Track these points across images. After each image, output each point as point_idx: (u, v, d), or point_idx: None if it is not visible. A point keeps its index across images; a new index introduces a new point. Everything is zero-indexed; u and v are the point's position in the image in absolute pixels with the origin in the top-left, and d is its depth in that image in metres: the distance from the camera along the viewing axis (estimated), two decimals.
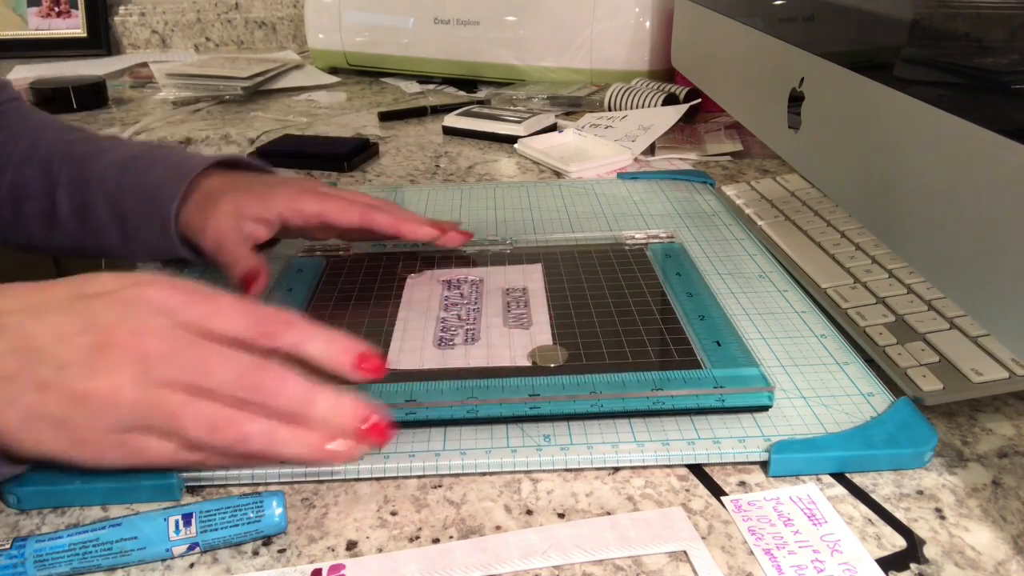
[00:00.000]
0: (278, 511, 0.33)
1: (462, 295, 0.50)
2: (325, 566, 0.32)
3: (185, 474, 0.36)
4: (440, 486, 0.36)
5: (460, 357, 0.44)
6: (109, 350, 0.32)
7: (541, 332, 0.46)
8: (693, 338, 0.44)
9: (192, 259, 0.53)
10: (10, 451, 0.33)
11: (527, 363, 0.43)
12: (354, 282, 0.53)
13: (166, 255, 0.54)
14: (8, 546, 0.31)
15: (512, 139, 0.89)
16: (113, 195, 0.54)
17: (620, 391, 0.39)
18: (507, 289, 0.51)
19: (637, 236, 0.57)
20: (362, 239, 0.57)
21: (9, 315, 0.33)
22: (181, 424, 0.32)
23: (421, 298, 0.50)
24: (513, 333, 0.46)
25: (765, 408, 0.39)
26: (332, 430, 0.34)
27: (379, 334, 0.46)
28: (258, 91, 1.18)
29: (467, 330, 0.46)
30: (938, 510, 0.34)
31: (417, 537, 0.34)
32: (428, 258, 0.55)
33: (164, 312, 0.34)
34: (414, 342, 0.45)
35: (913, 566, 0.32)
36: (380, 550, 0.33)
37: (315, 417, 0.33)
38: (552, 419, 0.39)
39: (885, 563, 0.32)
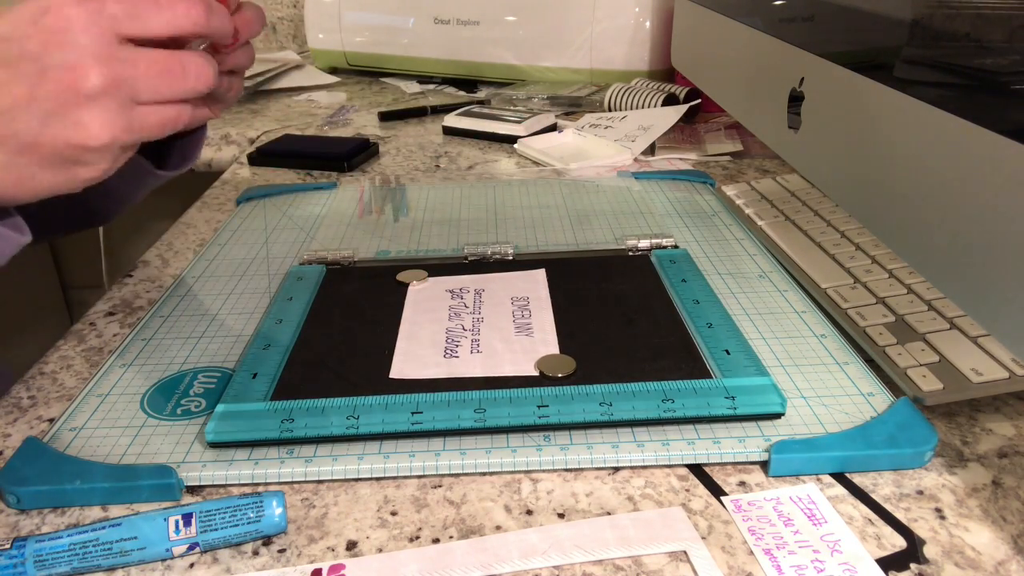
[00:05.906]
0: (278, 511, 0.33)
1: (465, 304, 0.50)
2: (325, 566, 0.32)
3: (186, 474, 0.36)
4: (440, 486, 0.36)
5: (465, 367, 0.43)
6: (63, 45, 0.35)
7: (546, 341, 0.45)
8: (702, 346, 0.44)
9: None
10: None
11: (534, 373, 0.42)
12: (355, 291, 0.52)
13: None
14: (8, 546, 0.31)
15: (512, 139, 0.89)
16: None
17: (630, 401, 0.39)
18: (511, 297, 0.50)
19: (641, 244, 0.57)
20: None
21: None
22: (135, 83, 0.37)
23: (424, 307, 0.50)
24: (518, 342, 0.45)
25: (778, 416, 0.39)
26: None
27: (383, 344, 0.46)
28: (258, 91, 1.19)
29: (472, 340, 0.46)
30: (938, 510, 0.34)
31: (417, 537, 0.34)
32: (430, 267, 0.55)
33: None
34: (419, 352, 0.45)
35: (913, 566, 0.32)
36: (380, 550, 0.33)
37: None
38: (561, 428, 0.38)
39: (885, 563, 0.32)
